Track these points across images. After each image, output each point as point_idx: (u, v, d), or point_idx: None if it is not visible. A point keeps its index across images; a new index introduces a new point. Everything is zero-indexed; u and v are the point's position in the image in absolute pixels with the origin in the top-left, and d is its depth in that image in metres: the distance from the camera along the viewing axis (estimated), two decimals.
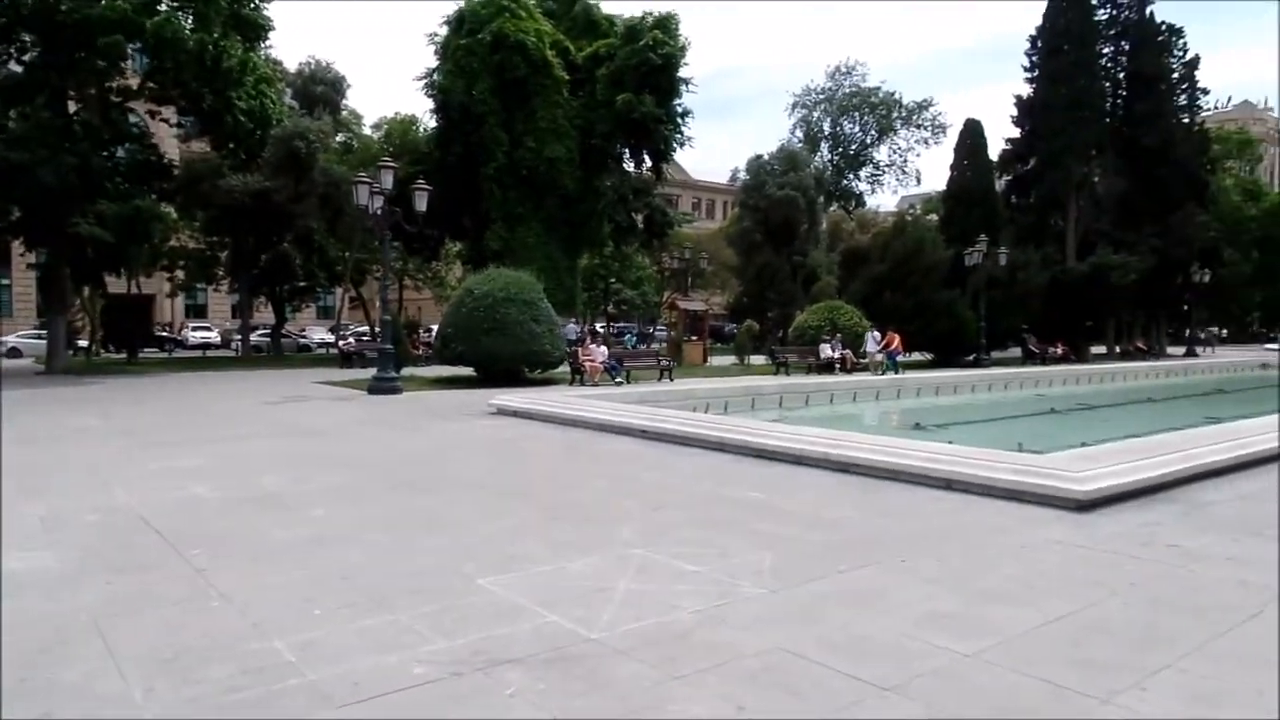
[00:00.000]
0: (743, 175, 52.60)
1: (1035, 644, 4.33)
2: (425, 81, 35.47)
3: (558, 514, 7.36)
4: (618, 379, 21.10)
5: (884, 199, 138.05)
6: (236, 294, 39.57)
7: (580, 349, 22.01)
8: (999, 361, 32.63)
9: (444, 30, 34.96)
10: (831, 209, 59.19)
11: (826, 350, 25.97)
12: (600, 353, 21.78)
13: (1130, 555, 6.03)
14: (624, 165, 38.20)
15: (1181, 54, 46.01)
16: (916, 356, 32.65)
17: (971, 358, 31.40)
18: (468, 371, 22.34)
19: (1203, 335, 49.53)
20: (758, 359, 30.67)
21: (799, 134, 59.67)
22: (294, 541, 6.37)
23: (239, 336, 38.36)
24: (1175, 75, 45.55)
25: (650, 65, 32.85)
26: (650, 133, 34.27)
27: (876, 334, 26.50)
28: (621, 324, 55.10)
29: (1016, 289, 34.15)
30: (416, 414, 15.39)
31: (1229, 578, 5.52)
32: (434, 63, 35.42)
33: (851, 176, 61.19)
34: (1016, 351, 36.88)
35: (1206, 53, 46.46)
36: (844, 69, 60.13)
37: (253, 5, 28.79)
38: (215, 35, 26.51)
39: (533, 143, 32.56)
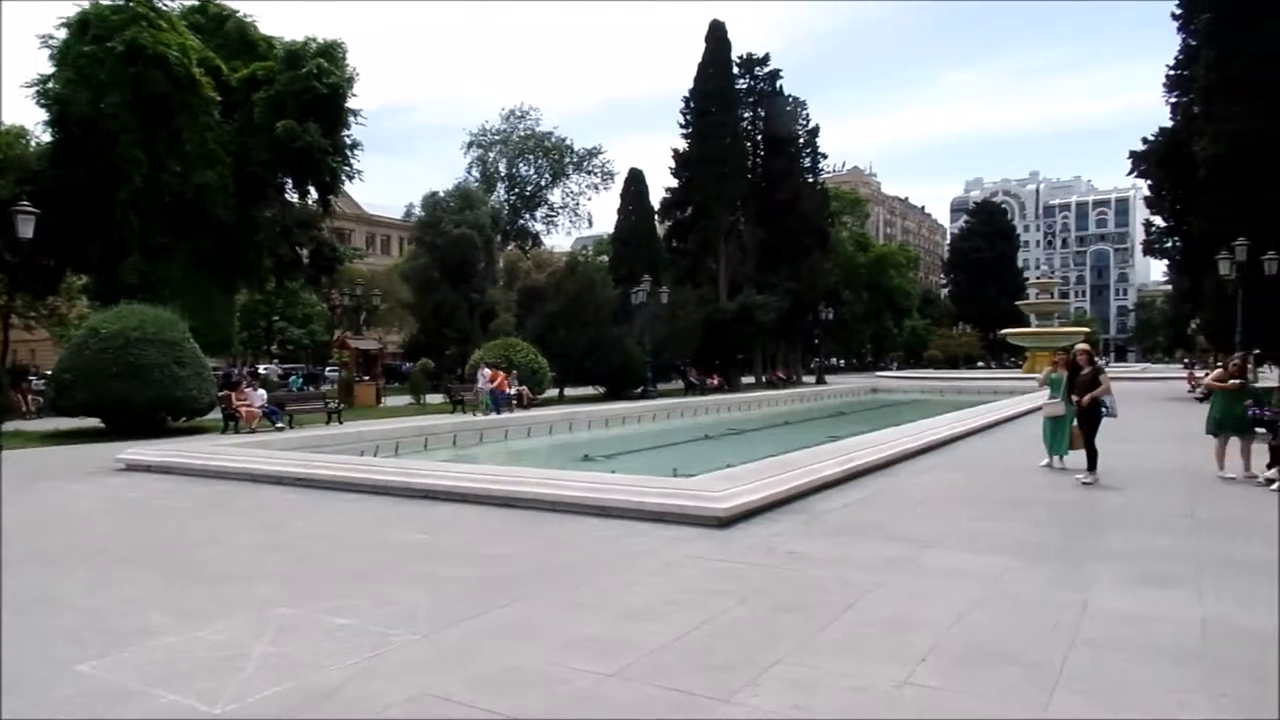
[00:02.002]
0: (418, 211, 51.78)
1: (670, 656, 4.62)
2: (37, 89, 30.59)
3: (189, 577, 6.56)
4: (278, 424, 19.53)
5: (559, 240, 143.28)
6: None
7: (234, 393, 20.04)
8: (664, 393, 34.99)
9: (62, 33, 30.52)
10: (509, 248, 60.17)
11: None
12: (258, 396, 20.01)
13: (758, 564, 6.70)
14: (287, 196, 35.85)
15: (805, 123, 53.44)
16: (589, 390, 34.04)
17: (639, 390, 33.37)
18: (94, 423, 19.38)
19: (812, 364, 56.95)
20: (435, 398, 30.11)
21: (475, 173, 60.07)
22: None
23: None
24: (801, 140, 52.72)
25: (315, 93, 31.28)
26: (316, 163, 32.55)
27: (487, 371, 25.17)
28: (290, 365, 51.26)
29: (678, 325, 36.98)
30: (16, 477, 12.97)
31: (833, 576, 6.32)
32: (49, 68, 30.70)
33: (528, 217, 62.74)
34: (679, 383, 39.82)
35: (825, 123, 54.96)
36: (518, 112, 61.74)
37: None
38: None
39: (178, 167, 29.39)
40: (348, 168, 34.96)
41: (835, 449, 13.11)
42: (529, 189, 62.35)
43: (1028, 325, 59.71)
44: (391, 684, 4.27)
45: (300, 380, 40.84)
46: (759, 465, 11.08)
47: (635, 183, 46.19)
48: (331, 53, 32.79)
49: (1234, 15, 29.12)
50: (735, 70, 49.58)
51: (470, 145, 61.14)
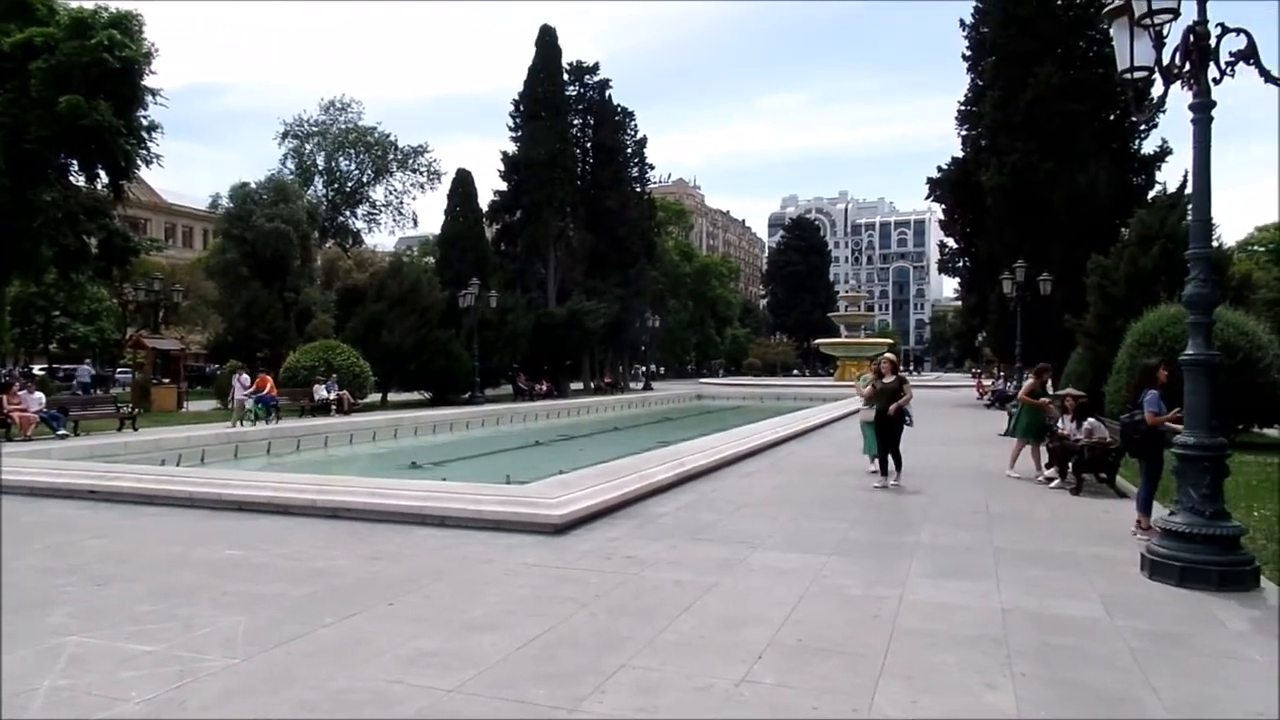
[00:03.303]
0: (226, 203, 48.37)
1: (513, 667, 4.53)
2: None
3: None
4: (60, 431, 17.59)
5: (382, 239, 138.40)
6: None
7: (5, 396, 17.86)
8: (492, 399, 34.51)
9: None
10: (327, 245, 57.35)
11: (321, 391, 24.87)
12: (34, 400, 17.93)
13: (596, 570, 6.71)
14: (72, 179, 32.39)
15: (634, 134, 54.45)
16: (414, 395, 33.02)
17: (467, 395, 32.74)
18: None
19: (639, 371, 58.17)
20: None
21: (291, 165, 56.86)
22: None
23: None
24: (630, 150, 53.66)
25: (106, 67, 28.38)
26: (107, 144, 29.56)
27: (244, 377, 22.14)
28: (75, 365, 46.27)
29: (506, 330, 36.57)
30: None
31: (670, 579, 6.43)
32: None
33: (348, 214, 60.05)
34: (508, 389, 39.41)
35: (652, 135, 56.18)
36: (339, 104, 59.06)
37: None
38: None
39: None
40: (144, 151, 31.91)
41: (666, 454, 13.41)
42: (350, 185, 59.76)
43: (838, 336, 63.56)
44: (204, 714, 3.94)
45: (87, 382, 36.99)
46: (592, 471, 11.16)
47: (463, 184, 45.32)
48: (126, 24, 29.85)
49: (1014, 60, 32.41)
50: (565, 77, 49.80)
51: (285, 135, 57.89)
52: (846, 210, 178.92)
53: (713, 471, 12.54)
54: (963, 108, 38.83)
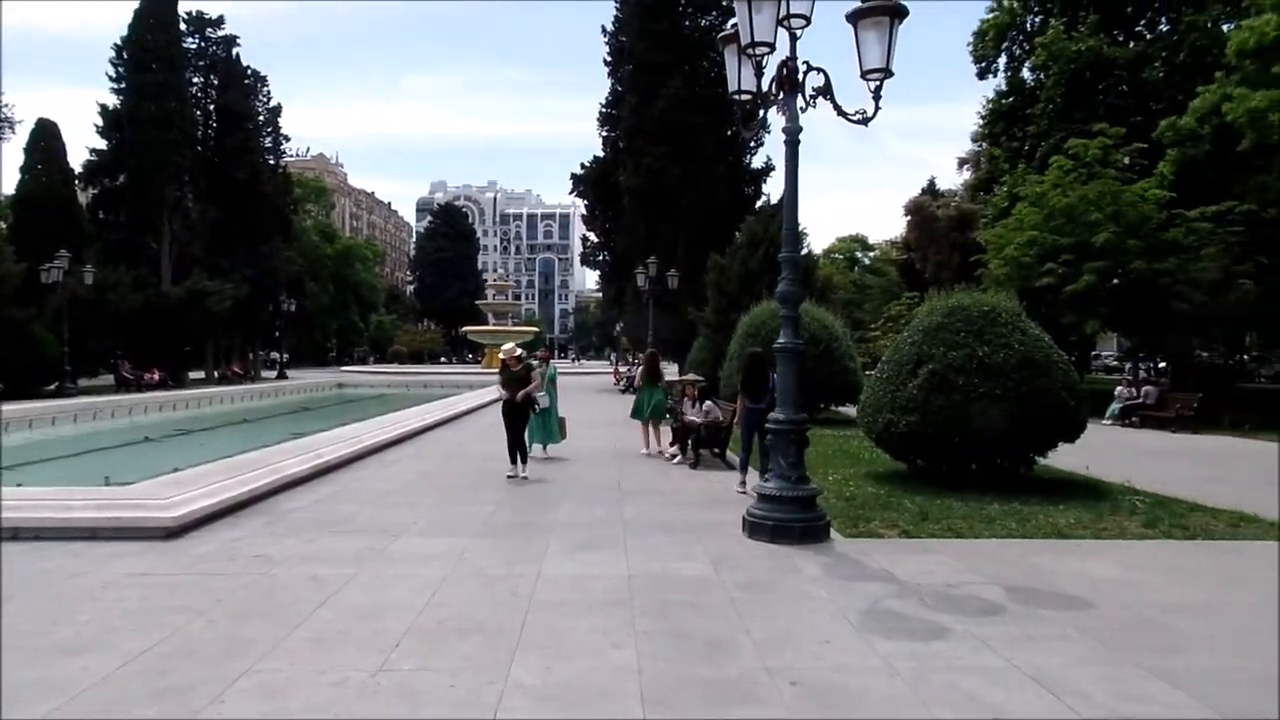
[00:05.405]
0: None
1: (114, 689, 4.00)
2: None
3: None
4: None
5: None
6: None
7: None
8: (88, 390, 29.82)
9: None
10: None
11: None
12: None
13: (217, 573, 6.14)
14: None
15: (266, 100, 50.11)
16: None
17: (54, 386, 27.98)
18: None
19: (274, 359, 54.57)
20: None
21: None
22: None
23: None
24: (262, 118, 49.27)
25: None
26: None
27: None
28: None
29: (107, 311, 31.80)
30: None
31: (304, 575, 6.09)
32: None
33: None
34: (110, 379, 34.34)
35: (289, 104, 51.84)
36: None
37: None
38: None
39: None
40: None
41: (300, 445, 12.65)
42: None
43: (487, 323, 64.10)
44: None
45: None
46: (213, 467, 10.18)
47: (46, 137, 38.26)
48: None
49: (649, 70, 35.08)
50: (183, 27, 44.42)
51: None
52: (495, 199, 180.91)
53: (354, 462, 12.07)
54: (604, 110, 41.16)
